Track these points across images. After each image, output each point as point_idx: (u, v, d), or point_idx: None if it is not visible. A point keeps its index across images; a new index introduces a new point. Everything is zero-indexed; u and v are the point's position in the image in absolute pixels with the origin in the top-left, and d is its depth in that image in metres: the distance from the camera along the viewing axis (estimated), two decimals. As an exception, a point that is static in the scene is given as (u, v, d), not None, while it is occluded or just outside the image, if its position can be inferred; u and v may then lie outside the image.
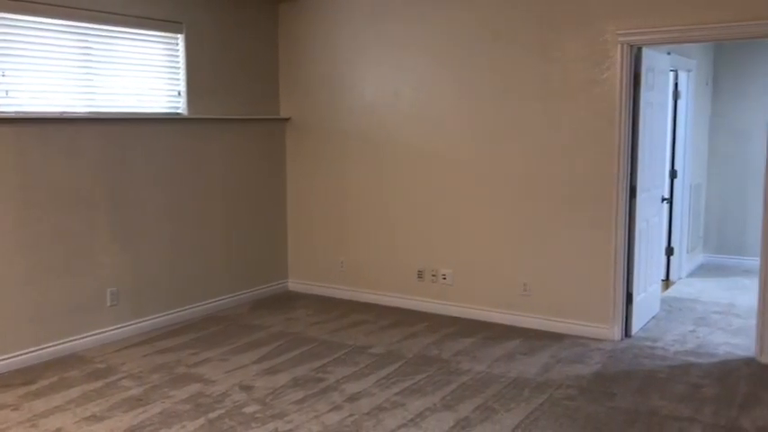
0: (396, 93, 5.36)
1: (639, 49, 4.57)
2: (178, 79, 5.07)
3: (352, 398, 3.77)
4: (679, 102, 6.26)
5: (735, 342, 4.66)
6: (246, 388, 3.91)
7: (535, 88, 4.82)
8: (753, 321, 4.52)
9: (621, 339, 4.69)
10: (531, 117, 4.86)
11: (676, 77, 6.18)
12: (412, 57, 5.29)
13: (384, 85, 5.43)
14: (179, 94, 5.08)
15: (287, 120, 5.91)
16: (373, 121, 5.51)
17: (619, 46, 4.50)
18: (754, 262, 4.33)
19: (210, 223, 5.36)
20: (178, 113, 5.09)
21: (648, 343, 4.64)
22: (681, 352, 4.48)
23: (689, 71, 6.23)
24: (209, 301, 5.40)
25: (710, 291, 6.04)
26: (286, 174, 5.99)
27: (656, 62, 4.90)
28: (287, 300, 5.82)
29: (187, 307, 5.21)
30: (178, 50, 5.04)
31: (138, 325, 4.88)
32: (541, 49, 4.76)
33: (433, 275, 5.37)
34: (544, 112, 4.81)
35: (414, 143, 5.34)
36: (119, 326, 4.77)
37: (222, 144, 5.40)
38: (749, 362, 4.30)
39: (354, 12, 5.48)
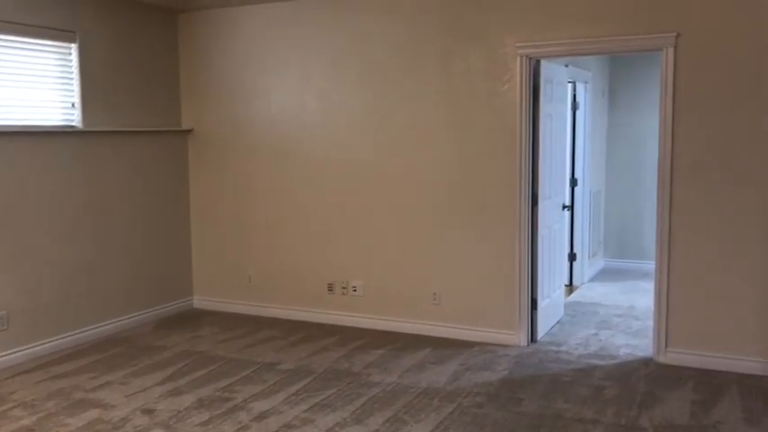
0: (302, 104, 5.32)
1: (538, 62, 4.69)
2: (72, 90, 4.84)
3: (260, 417, 3.67)
4: (578, 112, 6.48)
5: (634, 343, 4.83)
6: (149, 411, 3.75)
7: (440, 99, 4.87)
8: (650, 323, 4.70)
9: (528, 345, 4.78)
10: (437, 128, 4.91)
11: (575, 89, 6.39)
12: (317, 68, 5.25)
13: (289, 96, 5.36)
14: (73, 105, 4.84)
15: (189, 131, 5.75)
16: (279, 131, 5.43)
17: (518, 58, 4.60)
18: (653, 265, 4.51)
19: (110, 239, 5.13)
20: (72, 126, 4.86)
21: (553, 347, 4.75)
22: (584, 355, 4.60)
23: (586, 83, 6.46)
24: (110, 321, 5.16)
25: (612, 294, 6.25)
26: (189, 187, 5.81)
27: (555, 74, 5.05)
28: (192, 318, 5.64)
29: (86, 329, 4.96)
30: (71, 60, 4.82)
31: (32, 350, 4.60)
32: (446, 61, 4.82)
33: (344, 288, 5.33)
34: (449, 123, 4.86)
35: (320, 154, 5.30)
36: (9, 351, 4.49)
37: (121, 157, 5.19)
38: (648, 362, 4.47)
39: (256, 22, 5.39)
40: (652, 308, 4.57)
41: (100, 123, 5.00)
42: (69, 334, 4.84)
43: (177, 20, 5.64)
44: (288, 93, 5.37)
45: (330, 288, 5.37)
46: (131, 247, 5.31)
